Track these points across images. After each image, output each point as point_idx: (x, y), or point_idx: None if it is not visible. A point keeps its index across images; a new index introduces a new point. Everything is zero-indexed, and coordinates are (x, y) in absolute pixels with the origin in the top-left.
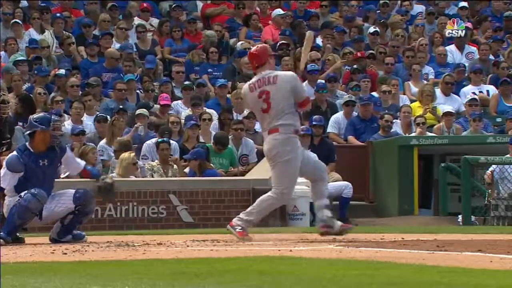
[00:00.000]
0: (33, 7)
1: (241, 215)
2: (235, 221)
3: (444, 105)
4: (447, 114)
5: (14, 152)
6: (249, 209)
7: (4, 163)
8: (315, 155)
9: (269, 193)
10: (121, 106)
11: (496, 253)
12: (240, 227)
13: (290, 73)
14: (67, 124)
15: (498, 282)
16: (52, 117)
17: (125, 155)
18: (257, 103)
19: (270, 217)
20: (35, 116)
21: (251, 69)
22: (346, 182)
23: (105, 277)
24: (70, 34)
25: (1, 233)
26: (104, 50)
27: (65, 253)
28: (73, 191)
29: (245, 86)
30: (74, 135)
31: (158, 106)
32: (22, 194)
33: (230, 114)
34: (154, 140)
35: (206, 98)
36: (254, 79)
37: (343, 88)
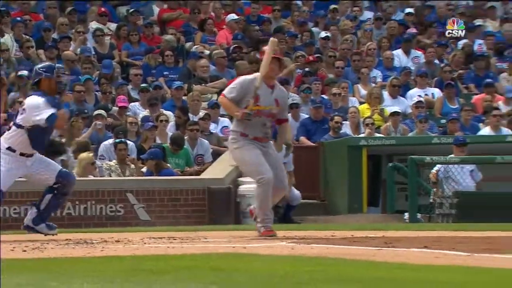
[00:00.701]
0: None
1: (256, 218)
2: (257, 228)
3: (392, 106)
4: (393, 114)
5: (35, 96)
6: (256, 211)
7: (35, 102)
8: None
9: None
10: (79, 108)
11: (441, 249)
12: (262, 228)
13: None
14: None
15: (443, 277)
16: (56, 65)
17: (83, 155)
18: None
19: (224, 216)
20: (39, 65)
21: (206, 72)
22: (297, 192)
23: (64, 273)
24: (30, 38)
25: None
26: (62, 53)
27: (25, 251)
28: (59, 166)
29: None
30: None
31: (116, 108)
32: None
33: (185, 115)
34: (111, 140)
35: (163, 100)
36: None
37: (295, 90)
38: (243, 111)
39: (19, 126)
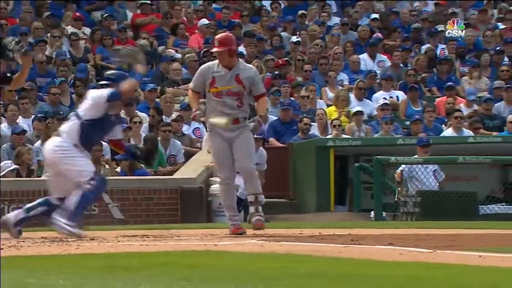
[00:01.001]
0: None
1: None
2: (230, 227)
3: (358, 108)
4: (357, 113)
5: (103, 89)
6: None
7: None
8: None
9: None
10: (55, 110)
11: (405, 246)
12: (231, 226)
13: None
14: (4, 126)
15: (407, 273)
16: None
17: None
18: None
19: (196, 215)
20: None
21: (178, 75)
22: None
23: (40, 271)
24: None
25: (72, 227)
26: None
27: (1, 248)
28: (93, 168)
29: None
30: (15, 134)
31: None
32: (90, 180)
33: (160, 115)
34: None
35: (136, 102)
36: None
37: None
38: (195, 112)
39: (77, 116)
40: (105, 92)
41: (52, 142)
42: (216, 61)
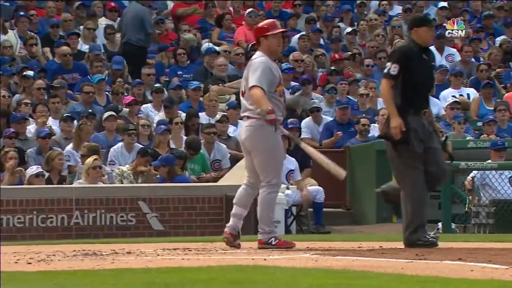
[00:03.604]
0: None
1: (261, 228)
2: (262, 238)
3: None
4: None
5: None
6: (260, 219)
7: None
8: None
9: (261, 189)
10: (89, 110)
11: (477, 262)
12: (274, 239)
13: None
14: (32, 128)
15: None
16: None
17: (87, 160)
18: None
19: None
20: None
21: (224, 71)
22: (317, 187)
23: (71, 287)
24: (34, 34)
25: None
26: (72, 51)
27: (30, 263)
28: None
29: None
30: (40, 138)
31: (127, 110)
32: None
33: (197, 118)
34: (120, 144)
35: (180, 101)
36: None
37: (319, 91)
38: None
39: None
40: None
41: None
42: (265, 56)
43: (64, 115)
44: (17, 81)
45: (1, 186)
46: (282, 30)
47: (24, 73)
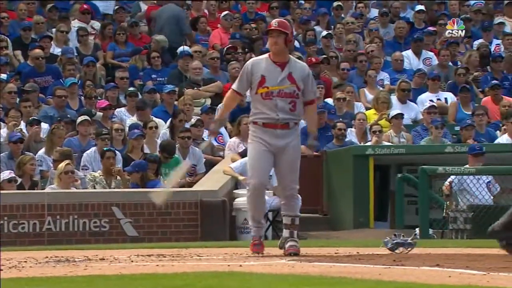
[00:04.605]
0: None
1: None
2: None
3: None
4: (396, 116)
5: None
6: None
7: None
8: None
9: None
10: (68, 115)
11: (455, 268)
12: (252, 239)
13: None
14: (3, 132)
15: None
16: None
17: (59, 165)
18: None
19: (219, 231)
20: None
21: (199, 75)
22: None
23: None
24: (5, 37)
25: None
26: (45, 54)
27: (1, 269)
28: None
29: None
30: (12, 143)
31: (101, 114)
32: None
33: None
34: (94, 149)
35: (154, 105)
36: None
37: None
38: (213, 126)
39: None
40: None
41: None
42: (265, 56)
43: (30, 118)
44: None
45: None
46: (268, 28)
47: None
